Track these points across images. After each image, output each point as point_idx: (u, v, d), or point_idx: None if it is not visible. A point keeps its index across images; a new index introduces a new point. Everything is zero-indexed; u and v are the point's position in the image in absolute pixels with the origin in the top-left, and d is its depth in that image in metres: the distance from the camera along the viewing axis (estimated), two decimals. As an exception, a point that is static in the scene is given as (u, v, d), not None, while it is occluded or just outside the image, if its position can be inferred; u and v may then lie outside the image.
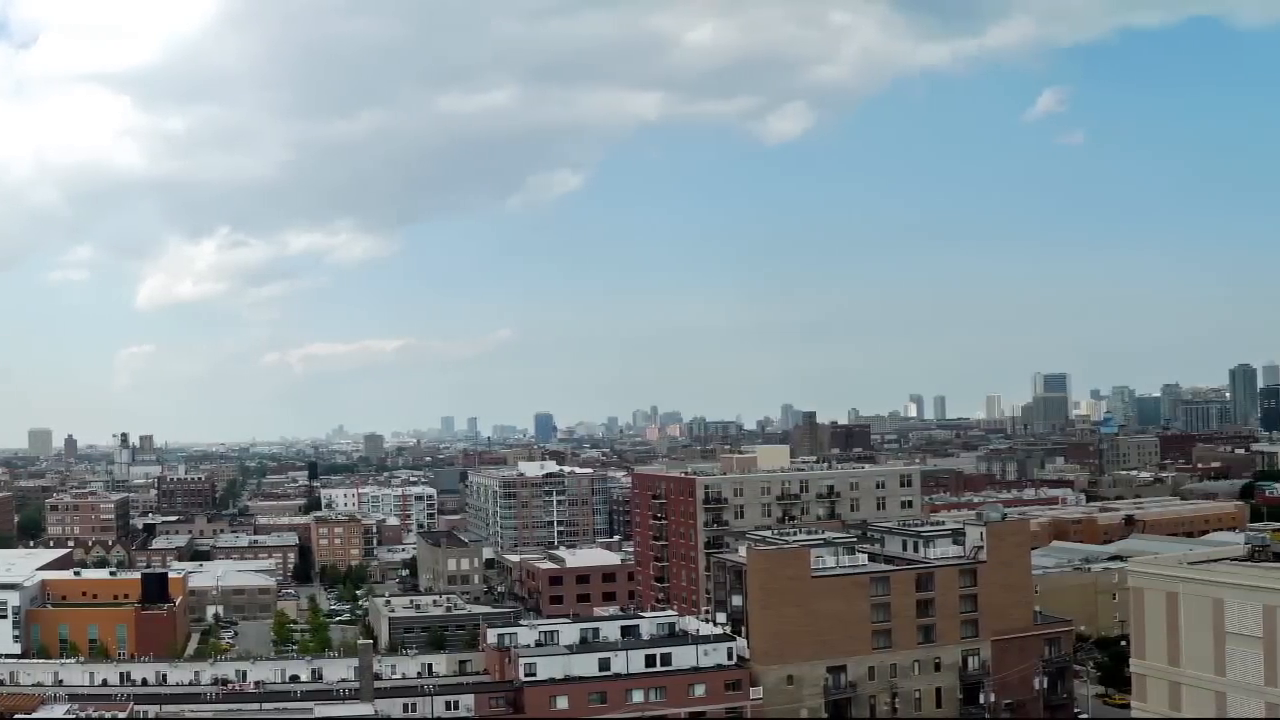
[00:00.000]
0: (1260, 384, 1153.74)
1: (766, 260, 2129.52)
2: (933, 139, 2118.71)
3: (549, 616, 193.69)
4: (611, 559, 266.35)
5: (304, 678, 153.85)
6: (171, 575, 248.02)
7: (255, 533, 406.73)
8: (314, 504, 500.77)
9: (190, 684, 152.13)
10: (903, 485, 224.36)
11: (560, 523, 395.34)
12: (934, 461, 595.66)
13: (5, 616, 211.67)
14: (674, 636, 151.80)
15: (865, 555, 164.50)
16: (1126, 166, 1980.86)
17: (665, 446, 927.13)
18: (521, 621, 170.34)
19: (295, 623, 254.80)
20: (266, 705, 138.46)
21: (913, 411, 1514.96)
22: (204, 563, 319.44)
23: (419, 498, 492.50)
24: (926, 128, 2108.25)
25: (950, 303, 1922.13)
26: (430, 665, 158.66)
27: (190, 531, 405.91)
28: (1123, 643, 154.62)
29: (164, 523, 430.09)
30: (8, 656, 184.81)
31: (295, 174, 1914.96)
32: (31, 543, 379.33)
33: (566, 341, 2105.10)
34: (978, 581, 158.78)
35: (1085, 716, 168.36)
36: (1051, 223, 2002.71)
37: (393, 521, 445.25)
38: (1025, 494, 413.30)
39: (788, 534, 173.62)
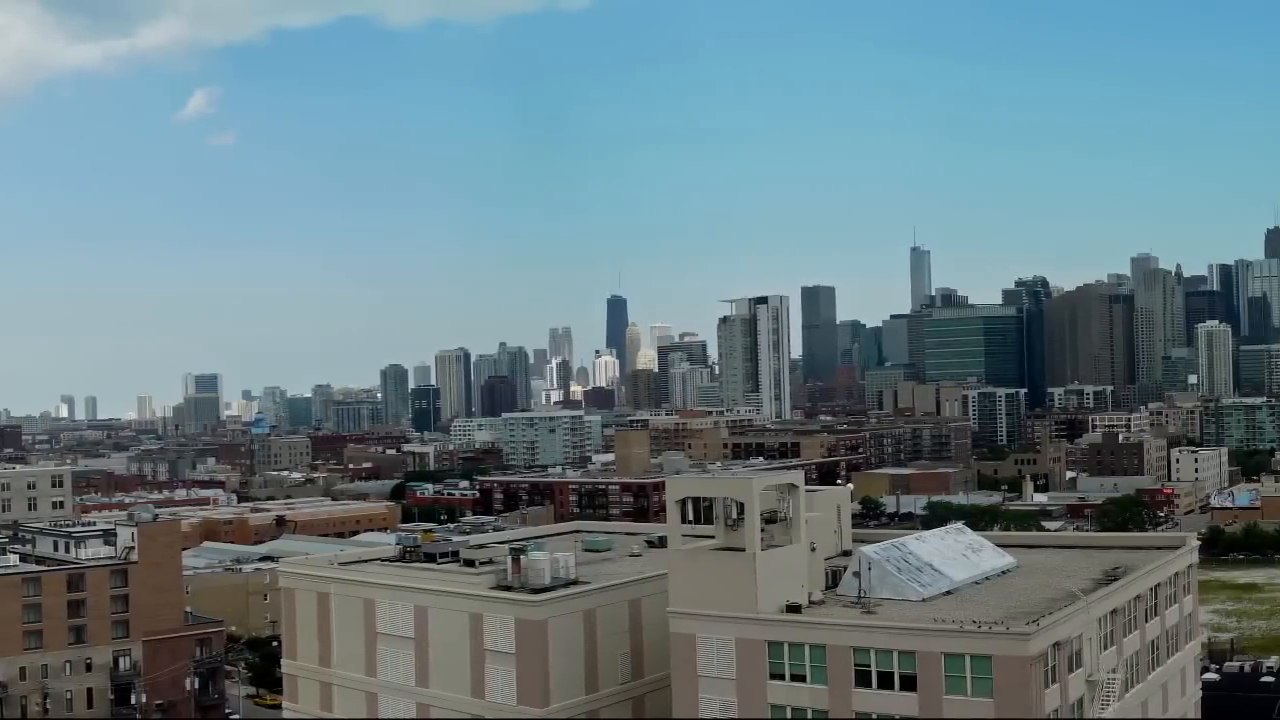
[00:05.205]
0: (411, 384, 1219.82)
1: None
2: (82, 140, 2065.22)
3: None
4: None
5: None
6: None
7: None
8: None
9: None
10: (54, 486, 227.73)
11: None
12: (86, 462, 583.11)
13: None
14: None
15: (17, 556, 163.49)
16: (275, 168, 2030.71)
17: None
18: None
19: None
20: None
21: (65, 412, 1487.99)
22: None
23: None
24: (76, 129, 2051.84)
25: (98, 303, 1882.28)
26: None
27: None
28: (275, 643, 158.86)
29: None
30: None
31: None
32: None
33: None
34: (129, 582, 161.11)
35: (237, 717, 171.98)
36: (202, 224, 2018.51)
37: None
38: (177, 494, 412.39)
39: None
